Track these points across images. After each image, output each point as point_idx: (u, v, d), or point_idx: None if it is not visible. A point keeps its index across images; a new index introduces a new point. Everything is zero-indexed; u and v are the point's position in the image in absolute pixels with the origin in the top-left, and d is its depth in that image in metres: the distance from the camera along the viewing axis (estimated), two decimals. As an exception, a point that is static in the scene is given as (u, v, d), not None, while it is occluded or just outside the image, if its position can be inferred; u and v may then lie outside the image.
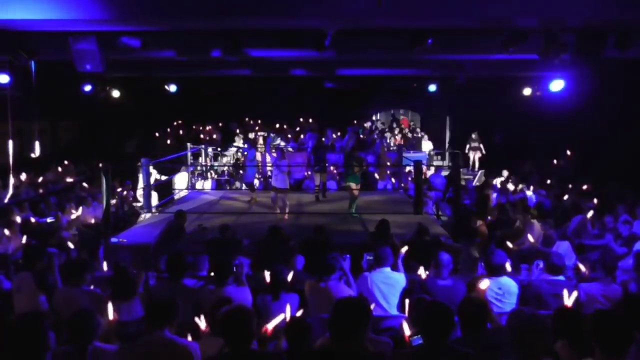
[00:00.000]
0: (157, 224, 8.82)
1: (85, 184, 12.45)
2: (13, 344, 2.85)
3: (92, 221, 9.48)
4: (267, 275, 4.63)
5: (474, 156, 15.89)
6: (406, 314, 4.09)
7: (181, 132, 19.24)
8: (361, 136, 18.27)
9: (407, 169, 12.53)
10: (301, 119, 19.64)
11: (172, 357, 3.07)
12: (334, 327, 2.84)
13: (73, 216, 9.32)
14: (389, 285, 4.61)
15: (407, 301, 4.21)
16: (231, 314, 2.89)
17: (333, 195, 11.61)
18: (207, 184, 13.80)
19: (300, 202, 10.84)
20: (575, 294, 4.10)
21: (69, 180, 13.00)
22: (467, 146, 16.09)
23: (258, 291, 4.59)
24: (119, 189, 11.59)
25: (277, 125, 19.04)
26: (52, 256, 5.17)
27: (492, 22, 6.56)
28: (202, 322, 3.64)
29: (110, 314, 3.61)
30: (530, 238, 7.41)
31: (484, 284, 4.08)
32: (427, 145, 17.63)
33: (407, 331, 3.39)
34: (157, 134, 18.60)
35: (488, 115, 16.44)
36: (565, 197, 10.76)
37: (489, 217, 9.04)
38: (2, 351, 2.89)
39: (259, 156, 10.85)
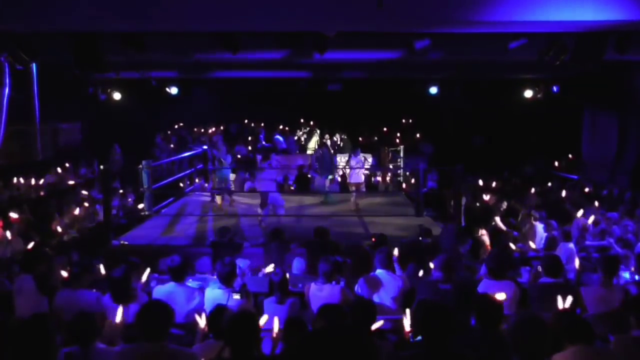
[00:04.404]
0: (158, 226, 8.83)
1: (85, 186, 12.45)
2: (21, 346, 2.85)
3: (93, 223, 9.47)
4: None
5: None
6: (408, 315, 4.09)
7: (182, 134, 19.22)
8: (360, 139, 18.34)
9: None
10: (302, 120, 19.59)
11: None
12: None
13: (73, 218, 9.31)
14: (377, 287, 4.63)
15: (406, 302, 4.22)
16: (237, 319, 2.89)
17: (334, 197, 11.61)
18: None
19: (302, 204, 10.83)
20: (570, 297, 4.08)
21: (70, 182, 13.00)
22: None
23: (259, 294, 4.60)
24: (120, 191, 11.58)
25: (281, 127, 19.03)
26: (52, 258, 5.18)
27: (493, 26, 6.54)
28: (202, 321, 3.63)
29: (119, 317, 3.62)
30: (532, 244, 7.42)
31: (500, 296, 4.07)
32: (427, 148, 17.64)
33: (407, 326, 3.40)
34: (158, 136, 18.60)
35: (487, 117, 16.45)
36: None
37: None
38: (7, 352, 2.89)
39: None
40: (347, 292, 4.52)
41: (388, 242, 6.42)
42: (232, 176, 13.71)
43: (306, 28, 7.00)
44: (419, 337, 3.08)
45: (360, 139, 18.39)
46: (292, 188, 13.64)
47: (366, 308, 3.53)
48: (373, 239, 6.71)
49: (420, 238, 6.85)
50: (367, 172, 13.96)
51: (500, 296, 4.07)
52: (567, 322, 3.05)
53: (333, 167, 10.16)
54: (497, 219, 8.75)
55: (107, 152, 15.43)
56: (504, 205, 9.62)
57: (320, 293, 4.45)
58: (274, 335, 3.38)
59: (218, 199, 10.47)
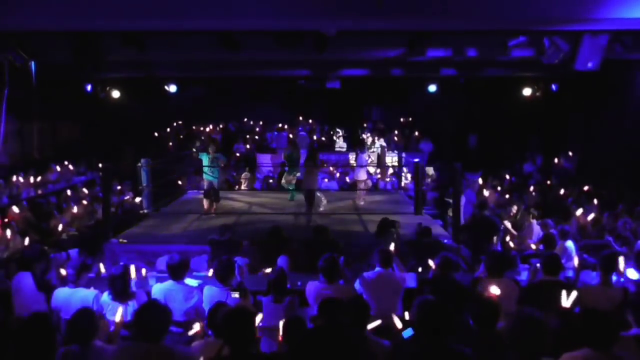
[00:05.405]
0: (156, 225, 8.82)
1: (84, 184, 12.44)
2: (23, 344, 2.84)
3: (92, 221, 9.46)
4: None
5: None
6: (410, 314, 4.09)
7: (181, 136, 19.19)
8: (363, 136, 18.33)
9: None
10: (300, 118, 19.58)
11: None
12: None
13: (72, 216, 9.31)
14: (376, 286, 4.63)
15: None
16: (232, 316, 2.88)
17: (333, 196, 11.60)
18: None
19: (300, 203, 10.81)
20: (574, 294, 4.09)
21: (69, 180, 12.99)
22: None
23: (258, 292, 4.59)
24: (119, 188, 11.57)
25: (280, 125, 19.03)
26: (51, 257, 5.17)
27: (493, 24, 6.53)
28: (196, 325, 3.62)
29: (118, 316, 3.62)
30: (532, 244, 7.42)
31: (494, 290, 4.09)
32: (426, 146, 17.60)
33: (398, 324, 3.39)
34: (156, 135, 18.58)
35: (487, 116, 16.44)
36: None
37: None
38: (8, 351, 2.89)
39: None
40: (350, 290, 4.53)
41: (391, 224, 6.47)
42: (245, 174, 13.62)
43: (308, 27, 6.98)
44: (411, 332, 3.05)
45: (381, 138, 18.32)
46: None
47: (359, 306, 3.52)
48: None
49: (419, 236, 6.84)
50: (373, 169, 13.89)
51: (495, 291, 4.09)
52: (584, 322, 2.95)
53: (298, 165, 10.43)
54: (507, 223, 8.37)
55: (106, 150, 15.40)
56: (514, 209, 9.33)
57: (324, 292, 4.44)
58: (280, 340, 3.38)
59: (205, 202, 9.71)
